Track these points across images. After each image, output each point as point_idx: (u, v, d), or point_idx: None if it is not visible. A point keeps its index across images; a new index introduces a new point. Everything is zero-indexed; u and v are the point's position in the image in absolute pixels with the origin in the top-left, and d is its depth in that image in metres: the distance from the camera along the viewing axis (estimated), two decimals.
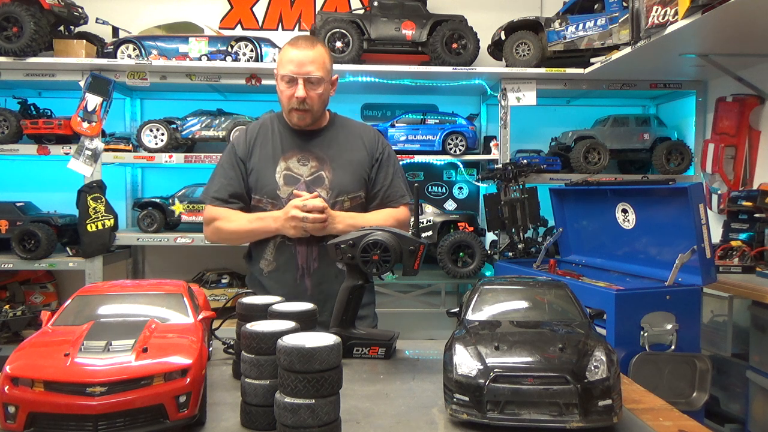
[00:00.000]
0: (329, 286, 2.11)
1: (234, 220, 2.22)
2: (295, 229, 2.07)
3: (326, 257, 2.04)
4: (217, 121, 3.70)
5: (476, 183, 4.19)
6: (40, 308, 3.78)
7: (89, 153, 3.55)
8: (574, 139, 3.80)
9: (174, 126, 3.70)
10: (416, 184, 1.86)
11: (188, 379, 1.07)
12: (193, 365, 1.09)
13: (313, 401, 1.00)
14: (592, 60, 3.60)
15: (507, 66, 3.69)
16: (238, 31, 4.16)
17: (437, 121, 3.76)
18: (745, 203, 3.01)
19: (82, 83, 3.55)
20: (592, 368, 1.14)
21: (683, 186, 2.32)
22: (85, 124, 3.54)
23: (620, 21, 3.44)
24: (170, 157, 3.61)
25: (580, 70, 3.63)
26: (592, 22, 3.56)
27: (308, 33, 3.82)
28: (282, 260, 2.20)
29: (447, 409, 1.18)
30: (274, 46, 3.66)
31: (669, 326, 2.26)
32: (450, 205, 4.27)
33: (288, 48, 2.19)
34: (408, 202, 2.32)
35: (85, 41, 3.56)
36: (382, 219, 2.20)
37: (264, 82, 3.64)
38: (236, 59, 3.59)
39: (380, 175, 2.28)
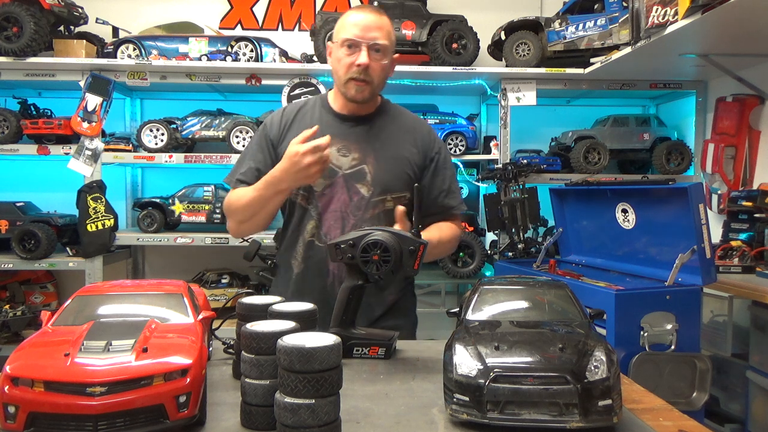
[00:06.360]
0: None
1: (244, 195, 1.97)
2: (306, 170, 1.78)
3: None
4: (217, 121, 3.70)
5: (476, 183, 4.19)
6: (40, 308, 3.78)
7: (89, 153, 3.55)
8: (574, 139, 3.79)
9: (174, 126, 3.70)
10: (416, 185, 1.81)
11: (188, 379, 1.07)
12: (193, 365, 1.09)
13: (313, 401, 1.00)
14: (592, 60, 3.60)
15: (507, 66, 3.69)
16: (238, 31, 4.16)
17: (437, 121, 3.76)
18: (745, 203, 3.00)
19: (82, 83, 3.55)
20: (592, 368, 1.14)
21: (683, 186, 2.32)
22: (85, 124, 3.54)
23: (620, 21, 3.44)
24: (170, 157, 3.61)
25: (580, 70, 3.63)
26: (592, 22, 3.56)
27: (308, 33, 3.82)
28: (312, 262, 2.00)
29: (447, 409, 1.18)
30: (274, 46, 3.66)
31: (669, 326, 2.26)
32: None
33: (352, 12, 1.99)
34: (462, 212, 2.14)
35: (85, 41, 3.56)
36: (449, 236, 2.01)
37: (264, 82, 3.64)
38: (236, 59, 3.58)
39: (437, 180, 2.06)
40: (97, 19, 3.73)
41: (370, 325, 1.93)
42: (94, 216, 3.52)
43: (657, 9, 2.72)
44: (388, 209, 1.98)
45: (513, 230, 3.41)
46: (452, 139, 3.72)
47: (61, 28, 3.69)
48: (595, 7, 3.58)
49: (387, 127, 2.06)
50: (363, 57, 1.91)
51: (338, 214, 1.98)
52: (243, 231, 2.08)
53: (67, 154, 3.55)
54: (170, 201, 3.72)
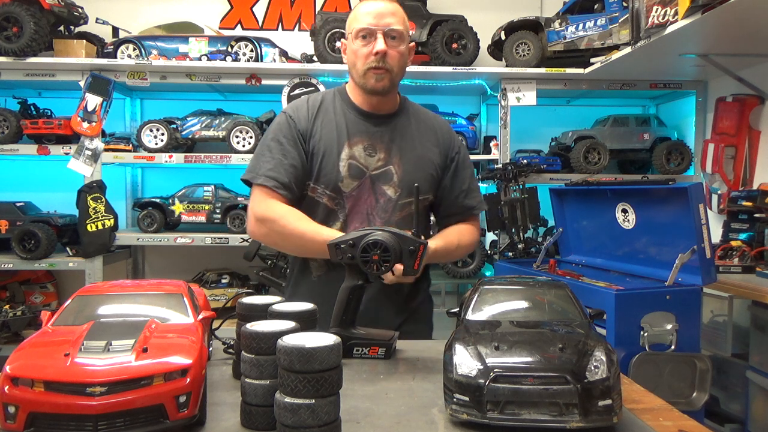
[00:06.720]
0: (381, 305, 1.90)
1: (305, 231, 1.83)
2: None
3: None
4: (217, 121, 3.70)
5: None
6: (40, 308, 3.78)
7: (89, 153, 3.55)
8: (574, 139, 3.79)
9: (174, 126, 3.70)
10: (416, 185, 1.74)
11: (188, 379, 1.07)
12: (193, 365, 1.09)
13: (313, 401, 1.00)
14: (592, 60, 3.60)
15: (507, 66, 3.69)
16: (238, 31, 4.16)
17: None
18: (745, 203, 3.00)
19: (82, 83, 3.55)
20: (592, 368, 1.14)
21: (683, 186, 2.32)
22: (85, 124, 3.54)
23: (620, 21, 3.44)
24: (170, 157, 3.61)
25: (580, 70, 3.63)
26: (592, 22, 3.56)
27: (308, 33, 3.82)
28: (333, 266, 1.88)
29: (447, 409, 1.18)
30: (274, 46, 3.66)
31: (669, 326, 2.26)
32: None
33: (362, 3, 1.94)
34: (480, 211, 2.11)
35: (85, 41, 3.56)
36: (468, 240, 2.01)
37: (264, 82, 3.64)
38: (236, 59, 3.58)
39: (457, 181, 2.02)
40: (97, 19, 3.74)
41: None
42: (94, 216, 3.52)
43: (657, 9, 2.72)
44: (413, 212, 1.91)
45: (513, 230, 3.41)
46: None
47: (61, 28, 3.69)
48: (595, 7, 3.58)
49: (409, 126, 2.02)
50: (380, 44, 1.87)
51: (364, 215, 1.94)
52: (275, 245, 2.02)
53: (67, 154, 3.55)
54: (170, 201, 3.72)
